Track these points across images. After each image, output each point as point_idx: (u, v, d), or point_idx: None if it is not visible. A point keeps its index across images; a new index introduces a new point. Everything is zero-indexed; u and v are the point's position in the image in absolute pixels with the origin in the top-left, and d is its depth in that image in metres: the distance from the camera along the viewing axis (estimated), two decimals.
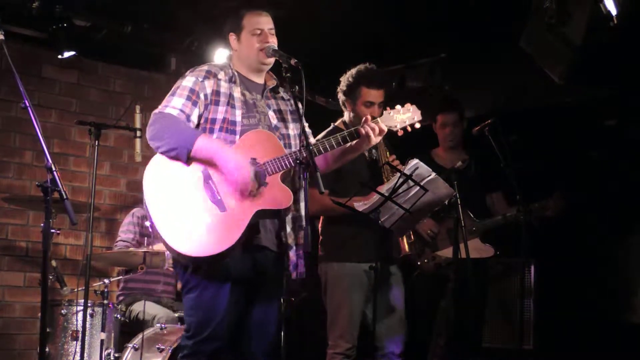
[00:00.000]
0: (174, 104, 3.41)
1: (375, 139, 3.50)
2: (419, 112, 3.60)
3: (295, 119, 3.63)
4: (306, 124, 3.71)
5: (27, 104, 3.06)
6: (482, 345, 5.30)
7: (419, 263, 4.57)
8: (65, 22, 5.48)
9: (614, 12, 4.05)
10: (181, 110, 3.39)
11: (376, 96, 4.38)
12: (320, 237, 4.50)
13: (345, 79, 4.49)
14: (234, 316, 3.42)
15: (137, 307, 5.25)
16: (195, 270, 3.38)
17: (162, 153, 3.37)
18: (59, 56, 5.62)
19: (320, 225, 4.52)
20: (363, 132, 3.48)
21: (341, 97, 4.53)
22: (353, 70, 4.48)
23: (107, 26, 5.77)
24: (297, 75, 3.34)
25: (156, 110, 3.43)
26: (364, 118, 3.53)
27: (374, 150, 4.45)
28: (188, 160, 3.34)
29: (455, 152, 5.16)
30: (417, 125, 3.61)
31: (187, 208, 3.32)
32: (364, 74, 4.43)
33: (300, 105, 3.46)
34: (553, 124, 5.86)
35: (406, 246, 4.41)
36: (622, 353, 5.22)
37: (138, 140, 5.03)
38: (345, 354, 4.29)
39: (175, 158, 3.35)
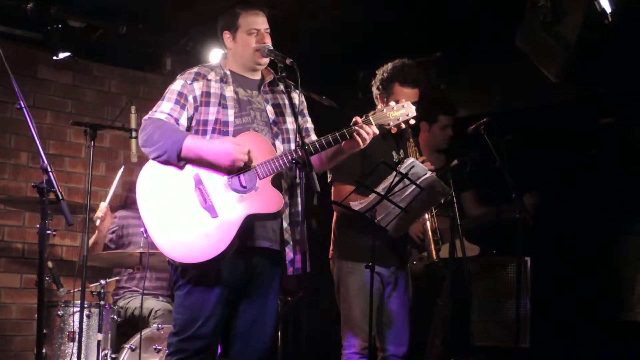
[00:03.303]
0: (162, 108, 3.44)
1: (367, 140, 3.47)
2: (413, 108, 3.56)
3: (297, 115, 3.61)
4: (308, 119, 3.72)
5: (23, 105, 3.05)
6: (478, 344, 5.30)
7: (408, 265, 4.57)
8: (61, 23, 5.48)
9: (608, 10, 4.05)
10: (169, 114, 3.42)
11: (409, 95, 4.23)
12: (333, 236, 4.44)
13: (380, 73, 4.38)
14: (222, 316, 3.42)
15: (133, 304, 5.25)
16: (184, 270, 3.41)
17: (153, 158, 3.41)
18: (54, 57, 5.62)
19: (333, 223, 4.45)
20: (354, 134, 3.44)
21: (375, 91, 4.43)
22: (389, 65, 4.36)
23: (102, 27, 5.77)
24: (293, 75, 3.35)
25: (146, 116, 3.47)
26: (354, 119, 3.48)
27: (402, 152, 4.40)
28: (179, 161, 3.36)
29: (438, 155, 5.15)
30: (412, 122, 3.59)
31: (178, 214, 3.36)
32: (399, 70, 4.32)
33: (295, 102, 3.46)
34: (548, 123, 5.86)
35: (434, 253, 4.35)
36: (619, 351, 5.23)
37: (134, 141, 5.03)
38: (360, 352, 4.21)
39: (167, 162, 3.38)
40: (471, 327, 5.27)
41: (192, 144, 3.34)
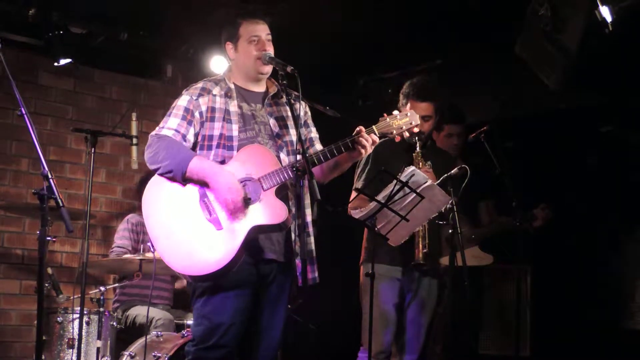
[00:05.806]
0: (169, 124, 3.47)
1: (369, 149, 3.48)
2: (416, 116, 3.60)
3: (299, 124, 3.62)
4: (313, 129, 3.73)
5: (23, 111, 3.05)
6: (478, 352, 5.30)
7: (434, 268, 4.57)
8: (62, 29, 5.49)
9: (609, 19, 4.06)
10: (176, 131, 3.45)
11: (421, 108, 4.33)
12: (364, 241, 4.53)
13: (402, 89, 4.55)
14: (241, 323, 3.43)
15: (134, 312, 5.24)
16: (197, 283, 3.44)
17: (160, 175, 3.44)
18: (55, 63, 5.62)
19: (365, 231, 4.52)
20: (357, 144, 3.44)
21: (400, 106, 4.52)
22: (408, 82, 4.54)
23: (103, 33, 5.78)
24: (294, 82, 3.35)
25: (153, 133, 3.49)
26: (357, 129, 3.48)
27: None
28: (184, 181, 3.40)
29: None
30: (416, 130, 3.62)
31: (184, 227, 3.39)
32: (412, 86, 4.48)
33: (295, 112, 3.47)
34: (549, 130, 5.86)
35: (420, 255, 4.39)
36: (620, 359, 5.22)
37: (134, 148, 5.03)
38: (376, 357, 4.24)
39: (172, 180, 3.41)
40: (480, 336, 5.27)
41: (196, 168, 3.37)
